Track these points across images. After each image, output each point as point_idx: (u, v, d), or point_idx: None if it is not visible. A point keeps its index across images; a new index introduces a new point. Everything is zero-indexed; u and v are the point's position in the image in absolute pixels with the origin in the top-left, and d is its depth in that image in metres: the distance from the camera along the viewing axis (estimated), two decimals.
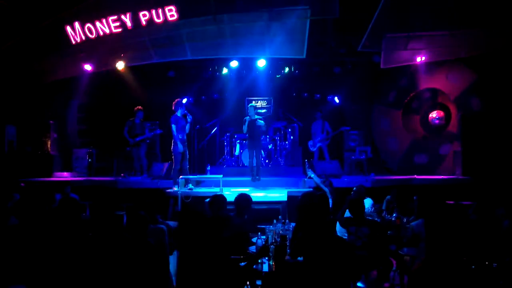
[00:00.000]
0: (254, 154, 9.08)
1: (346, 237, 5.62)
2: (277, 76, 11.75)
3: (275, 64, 11.42)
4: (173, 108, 8.09)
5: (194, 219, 3.75)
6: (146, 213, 4.17)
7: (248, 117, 9.02)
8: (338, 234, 5.59)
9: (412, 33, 8.87)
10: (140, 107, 9.91)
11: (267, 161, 11.23)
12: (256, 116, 9.13)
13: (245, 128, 8.96)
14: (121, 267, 3.68)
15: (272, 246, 3.97)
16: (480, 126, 9.60)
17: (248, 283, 4.49)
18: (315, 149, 10.59)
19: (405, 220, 5.51)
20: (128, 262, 3.72)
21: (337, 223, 5.89)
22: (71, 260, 3.75)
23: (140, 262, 3.76)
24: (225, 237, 4.07)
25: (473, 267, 2.84)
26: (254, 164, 9.07)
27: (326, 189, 6.70)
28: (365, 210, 5.52)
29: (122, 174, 10.13)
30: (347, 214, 5.53)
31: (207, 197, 7.17)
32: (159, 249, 3.95)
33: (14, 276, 3.47)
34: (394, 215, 5.84)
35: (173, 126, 7.92)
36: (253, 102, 12.30)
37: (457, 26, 8.52)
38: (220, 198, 4.61)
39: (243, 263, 4.10)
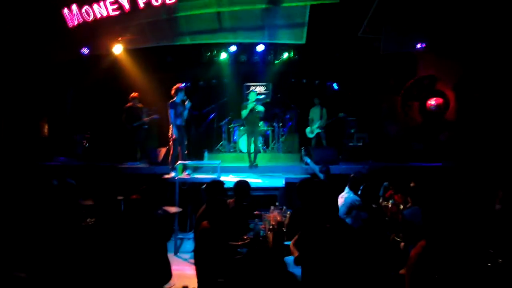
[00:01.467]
0: (253, 140, 9.07)
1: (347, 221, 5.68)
2: (276, 61, 11.65)
3: (275, 50, 11.31)
4: (172, 93, 8.02)
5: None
6: (143, 199, 4.18)
7: (249, 102, 8.97)
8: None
9: (412, 20, 8.81)
10: (135, 94, 9.83)
11: (264, 147, 11.23)
12: (255, 102, 9.09)
13: (245, 113, 8.91)
14: (119, 252, 3.70)
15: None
16: (478, 113, 9.60)
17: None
18: (313, 135, 10.58)
19: (401, 207, 5.54)
20: (125, 247, 3.74)
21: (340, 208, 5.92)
22: (68, 245, 3.76)
23: (138, 248, 3.78)
24: (224, 222, 4.08)
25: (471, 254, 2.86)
26: (252, 150, 9.07)
27: (321, 176, 6.73)
28: None
29: (119, 160, 10.12)
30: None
31: (204, 183, 7.19)
32: (156, 235, 3.97)
33: (14, 262, 3.48)
34: (391, 201, 5.88)
35: (172, 112, 7.88)
36: (252, 87, 12.23)
37: (457, 14, 8.47)
38: (218, 183, 4.61)
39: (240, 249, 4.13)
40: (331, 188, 6.40)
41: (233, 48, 11.03)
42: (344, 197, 6.02)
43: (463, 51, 9.77)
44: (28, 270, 3.60)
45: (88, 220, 4.73)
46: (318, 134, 10.45)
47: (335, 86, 12.11)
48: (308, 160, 7.36)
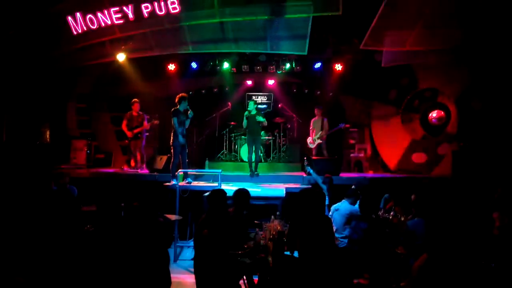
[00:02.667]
0: (254, 149, 9.11)
1: (346, 232, 5.69)
2: (278, 72, 11.72)
3: (277, 60, 11.38)
4: (176, 101, 8.08)
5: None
6: (144, 206, 4.18)
7: (247, 112, 9.08)
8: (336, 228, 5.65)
9: (414, 32, 8.85)
10: (136, 99, 9.88)
11: (266, 156, 11.25)
12: (255, 112, 9.15)
13: (245, 123, 9.01)
14: (120, 260, 3.70)
15: None
16: (479, 126, 9.62)
17: (244, 277, 4.51)
18: (314, 145, 10.56)
19: (402, 218, 5.54)
20: (126, 255, 3.74)
21: (334, 219, 5.93)
22: (67, 251, 3.76)
23: (138, 255, 3.78)
24: (224, 231, 4.09)
25: (472, 265, 2.86)
26: (253, 160, 9.09)
27: (324, 187, 6.73)
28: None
29: (121, 167, 10.14)
30: None
31: (205, 191, 7.21)
32: (157, 242, 3.96)
33: (13, 268, 3.48)
34: (391, 213, 5.87)
35: (174, 119, 7.92)
36: (253, 97, 12.29)
37: (460, 25, 8.51)
38: (220, 192, 4.61)
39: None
40: (330, 198, 6.44)
41: (235, 58, 11.11)
42: (341, 208, 6.02)
43: (465, 63, 9.83)
44: (27, 275, 3.60)
45: (88, 226, 4.72)
46: (319, 144, 10.44)
47: (336, 97, 12.12)
48: (311, 170, 7.36)
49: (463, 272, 2.79)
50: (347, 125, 11.07)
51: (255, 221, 5.06)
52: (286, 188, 7.81)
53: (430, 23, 8.55)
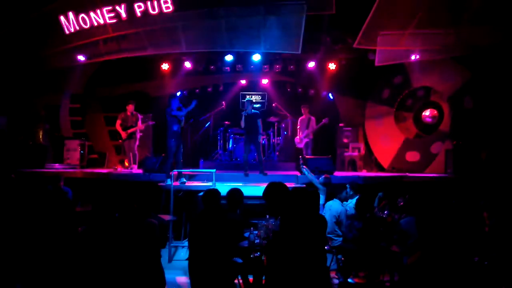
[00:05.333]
0: (254, 149, 9.15)
1: (338, 232, 5.70)
2: (272, 71, 11.71)
3: (271, 59, 11.37)
4: (169, 101, 8.06)
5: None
6: (138, 207, 4.17)
7: (245, 112, 9.05)
8: (329, 229, 5.66)
9: (407, 31, 8.90)
10: (131, 100, 9.86)
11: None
12: (252, 111, 9.13)
13: (242, 123, 9.00)
14: (113, 260, 3.69)
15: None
16: (472, 125, 9.69)
17: (239, 276, 4.52)
18: (301, 145, 10.51)
19: (396, 217, 5.57)
20: (120, 255, 3.73)
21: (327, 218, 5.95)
22: (61, 253, 3.74)
23: (132, 255, 3.77)
24: (219, 231, 4.09)
25: (462, 263, 2.88)
26: (251, 159, 9.09)
27: (320, 187, 6.74)
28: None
29: (114, 167, 10.10)
30: None
31: (199, 191, 7.20)
32: (150, 242, 3.95)
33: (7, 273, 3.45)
34: (385, 212, 5.90)
35: (168, 119, 7.90)
36: (248, 96, 12.29)
37: (451, 24, 8.57)
38: (214, 192, 4.61)
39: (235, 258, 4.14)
40: (326, 198, 6.44)
41: (229, 57, 11.08)
42: (332, 207, 6.03)
43: (458, 63, 9.89)
44: (20, 277, 3.57)
45: (80, 228, 4.69)
46: (306, 143, 10.40)
47: (330, 96, 12.18)
48: (306, 170, 7.35)
49: (456, 268, 2.82)
50: (341, 124, 11.10)
51: (250, 221, 5.07)
52: None
53: (423, 22, 8.60)
